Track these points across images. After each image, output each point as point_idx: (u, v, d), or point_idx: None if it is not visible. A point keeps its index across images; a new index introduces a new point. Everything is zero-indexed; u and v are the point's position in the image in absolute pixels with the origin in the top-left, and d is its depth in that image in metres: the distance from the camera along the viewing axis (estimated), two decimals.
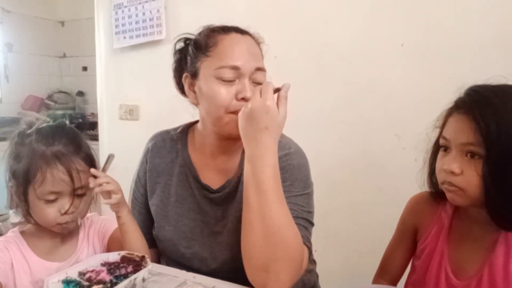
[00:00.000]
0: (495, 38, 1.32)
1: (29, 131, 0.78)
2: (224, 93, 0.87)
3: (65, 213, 0.76)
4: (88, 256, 0.84)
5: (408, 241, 0.95)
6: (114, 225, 0.89)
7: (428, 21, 1.42)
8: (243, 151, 0.95)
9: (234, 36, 0.91)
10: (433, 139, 0.85)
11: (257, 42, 0.95)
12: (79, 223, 0.81)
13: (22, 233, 0.81)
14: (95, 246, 0.87)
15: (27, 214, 0.78)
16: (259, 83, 0.88)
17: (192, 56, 0.94)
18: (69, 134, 0.80)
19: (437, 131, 0.84)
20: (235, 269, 0.88)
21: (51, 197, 0.75)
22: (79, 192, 0.78)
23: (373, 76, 1.52)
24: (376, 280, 1.00)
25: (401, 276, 0.98)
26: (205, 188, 0.97)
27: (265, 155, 0.79)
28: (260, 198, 0.78)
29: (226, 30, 0.92)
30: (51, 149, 0.75)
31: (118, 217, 0.83)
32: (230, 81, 0.87)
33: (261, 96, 0.79)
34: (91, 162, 0.81)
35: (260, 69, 0.90)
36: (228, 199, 0.95)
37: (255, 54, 0.91)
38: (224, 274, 0.92)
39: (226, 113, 0.87)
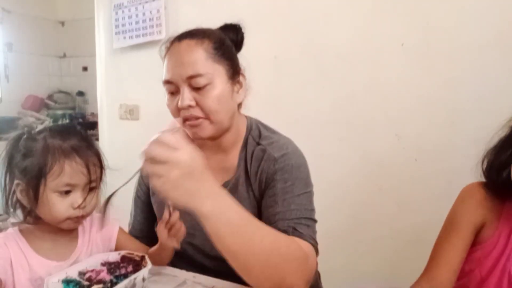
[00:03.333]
0: (495, 38, 1.32)
1: (38, 129, 0.79)
2: (172, 104, 0.90)
3: (78, 207, 0.77)
4: (89, 256, 0.84)
5: (468, 237, 0.83)
6: (114, 225, 0.90)
7: (428, 21, 1.42)
8: (241, 149, 0.97)
9: (173, 47, 0.91)
10: (495, 136, 0.81)
11: (201, 42, 0.88)
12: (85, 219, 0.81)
13: (21, 231, 0.81)
14: (98, 247, 0.87)
15: (30, 214, 0.78)
16: (199, 88, 0.86)
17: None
18: (81, 133, 0.82)
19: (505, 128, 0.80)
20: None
21: (66, 188, 0.76)
22: (93, 185, 0.79)
23: (373, 76, 1.52)
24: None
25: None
26: None
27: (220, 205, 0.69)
28: (240, 239, 0.69)
29: (172, 40, 0.92)
30: (68, 142, 0.77)
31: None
32: (173, 93, 0.90)
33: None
34: (100, 160, 0.82)
35: (193, 77, 0.85)
36: None
37: (187, 62, 0.86)
38: (225, 268, 0.92)
39: (183, 122, 0.90)
